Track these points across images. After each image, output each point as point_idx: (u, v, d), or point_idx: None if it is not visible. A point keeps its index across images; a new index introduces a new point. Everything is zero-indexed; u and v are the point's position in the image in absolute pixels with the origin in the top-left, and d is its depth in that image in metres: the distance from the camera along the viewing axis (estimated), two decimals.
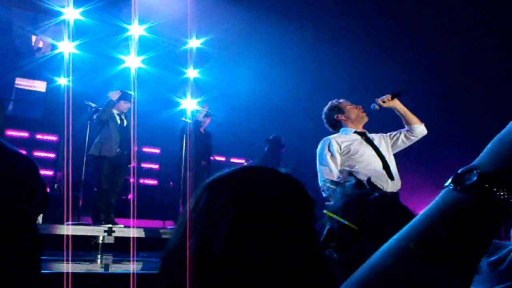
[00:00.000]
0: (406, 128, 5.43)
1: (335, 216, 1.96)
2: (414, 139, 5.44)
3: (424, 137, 5.50)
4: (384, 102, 5.29)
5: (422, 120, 5.46)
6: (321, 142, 5.31)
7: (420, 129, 5.41)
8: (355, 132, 5.33)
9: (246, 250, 1.17)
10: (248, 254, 1.17)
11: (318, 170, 5.21)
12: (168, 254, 1.28)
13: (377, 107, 5.30)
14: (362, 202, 1.97)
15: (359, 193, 2.13)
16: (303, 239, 1.24)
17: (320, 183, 5.10)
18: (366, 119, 5.44)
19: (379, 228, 1.89)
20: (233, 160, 13.48)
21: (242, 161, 13.55)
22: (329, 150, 5.16)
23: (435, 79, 13.69)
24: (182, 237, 1.25)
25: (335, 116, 5.44)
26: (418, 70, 13.57)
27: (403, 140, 5.43)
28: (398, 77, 13.09)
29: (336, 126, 5.48)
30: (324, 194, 4.90)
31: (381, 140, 5.40)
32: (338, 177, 5.12)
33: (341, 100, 5.48)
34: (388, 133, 5.50)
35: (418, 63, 13.73)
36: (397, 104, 5.35)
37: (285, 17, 13.26)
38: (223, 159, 11.71)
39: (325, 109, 5.53)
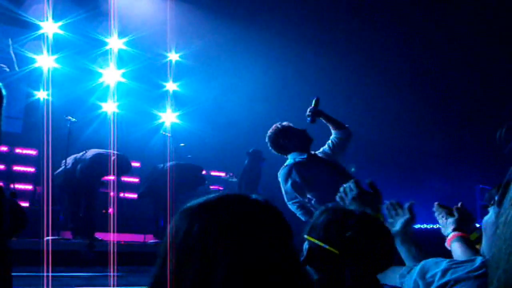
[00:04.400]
0: (335, 134, 5.48)
1: (316, 241, 1.98)
2: (346, 143, 5.49)
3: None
4: (315, 113, 5.40)
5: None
6: (281, 169, 5.28)
7: (348, 132, 5.48)
8: (307, 155, 5.30)
9: (246, 280, 1.20)
10: (248, 282, 1.20)
11: (284, 195, 5.22)
12: (156, 285, 1.28)
13: (312, 121, 5.40)
14: (344, 223, 2.00)
15: (341, 210, 2.14)
16: (285, 264, 1.27)
17: (292, 209, 5.14)
18: (311, 140, 5.41)
19: (360, 251, 1.94)
20: (213, 173, 13.49)
21: (222, 174, 13.56)
22: (291, 177, 5.15)
23: (416, 94, 13.86)
24: (174, 267, 1.24)
25: (281, 142, 5.35)
26: (398, 84, 13.74)
27: (340, 148, 5.47)
28: (376, 89, 13.25)
29: (286, 151, 5.40)
30: (303, 218, 4.96)
31: (327, 156, 5.41)
32: (307, 202, 5.18)
33: (284, 124, 5.42)
34: (326, 148, 5.50)
35: (398, 77, 13.90)
36: (322, 114, 5.46)
37: (264, 31, 13.36)
38: (203, 172, 11.72)
39: (270, 133, 5.40)
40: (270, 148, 5.47)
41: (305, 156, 5.29)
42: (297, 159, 5.29)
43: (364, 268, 1.94)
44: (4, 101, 2.15)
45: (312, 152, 5.41)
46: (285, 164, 5.32)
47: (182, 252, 1.25)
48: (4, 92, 2.15)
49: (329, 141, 5.51)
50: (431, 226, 13.38)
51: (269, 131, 5.43)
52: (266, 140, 5.45)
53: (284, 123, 5.44)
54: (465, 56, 13.34)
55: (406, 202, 2.74)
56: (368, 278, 1.96)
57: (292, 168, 5.19)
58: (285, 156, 5.45)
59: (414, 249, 2.61)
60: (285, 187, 5.19)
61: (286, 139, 5.35)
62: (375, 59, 13.83)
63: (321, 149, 5.52)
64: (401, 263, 2.61)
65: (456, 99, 13.95)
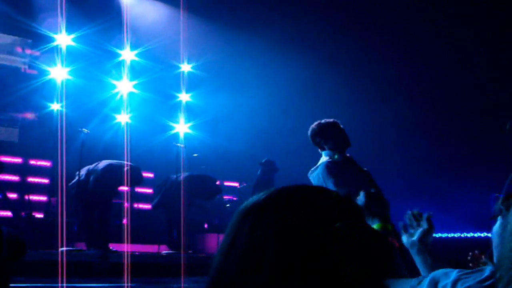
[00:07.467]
0: None
1: None
2: None
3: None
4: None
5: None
6: (313, 170, 5.21)
7: None
8: (343, 157, 5.23)
9: (296, 275, 1.10)
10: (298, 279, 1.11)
11: None
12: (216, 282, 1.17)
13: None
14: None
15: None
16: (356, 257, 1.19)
17: None
18: (349, 145, 5.31)
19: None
20: (227, 183, 13.49)
21: (236, 184, 13.56)
22: (324, 178, 5.04)
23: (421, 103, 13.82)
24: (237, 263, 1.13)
25: (317, 140, 5.27)
26: (405, 93, 13.72)
27: None
28: (384, 100, 13.24)
29: (321, 148, 5.31)
30: None
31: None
32: None
33: (329, 121, 5.30)
34: None
35: (412, 88, 13.88)
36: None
37: (276, 42, 13.39)
38: (217, 183, 11.73)
39: (311, 128, 5.33)
40: (310, 139, 5.37)
41: (340, 158, 5.22)
42: (330, 159, 5.21)
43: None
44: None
45: (348, 155, 5.34)
46: (317, 165, 5.23)
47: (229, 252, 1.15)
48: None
49: None
50: (452, 235, 13.32)
51: (312, 125, 5.33)
52: (311, 132, 5.34)
53: (329, 120, 5.33)
54: (478, 63, 13.29)
55: (425, 213, 2.73)
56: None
57: (324, 169, 5.10)
58: (319, 151, 5.36)
59: (430, 259, 2.60)
60: None
61: (323, 137, 5.26)
62: (386, 67, 13.81)
63: None
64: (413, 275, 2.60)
65: (471, 105, 13.87)
